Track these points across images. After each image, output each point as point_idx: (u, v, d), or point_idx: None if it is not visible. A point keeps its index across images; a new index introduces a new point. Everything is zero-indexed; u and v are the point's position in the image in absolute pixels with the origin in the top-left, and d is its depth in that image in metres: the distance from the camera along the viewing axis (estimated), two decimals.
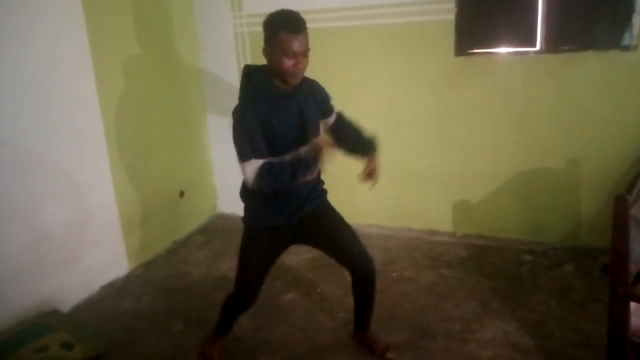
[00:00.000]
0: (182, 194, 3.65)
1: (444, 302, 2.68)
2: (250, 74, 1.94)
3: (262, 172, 1.82)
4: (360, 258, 2.10)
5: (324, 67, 3.50)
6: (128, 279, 3.10)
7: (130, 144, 3.13)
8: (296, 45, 1.79)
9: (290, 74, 1.84)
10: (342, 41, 3.42)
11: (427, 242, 3.42)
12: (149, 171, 3.31)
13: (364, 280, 2.16)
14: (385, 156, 3.54)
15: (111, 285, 3.00)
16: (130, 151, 3.14)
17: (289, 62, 1.81)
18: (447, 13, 3.15)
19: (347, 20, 3.36)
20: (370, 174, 2.09)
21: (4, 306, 2.40)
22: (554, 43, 3.01)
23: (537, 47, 3.05)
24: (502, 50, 3.15)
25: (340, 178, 3.77)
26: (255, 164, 1.83)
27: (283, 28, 1.79)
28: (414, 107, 3.42)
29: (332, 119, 2.17)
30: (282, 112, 1.91)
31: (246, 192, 2.04)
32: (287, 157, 1.91)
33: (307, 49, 1.84)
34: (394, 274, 3.00)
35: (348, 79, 3.47)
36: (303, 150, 1.95)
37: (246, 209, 2.11)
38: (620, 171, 2.99)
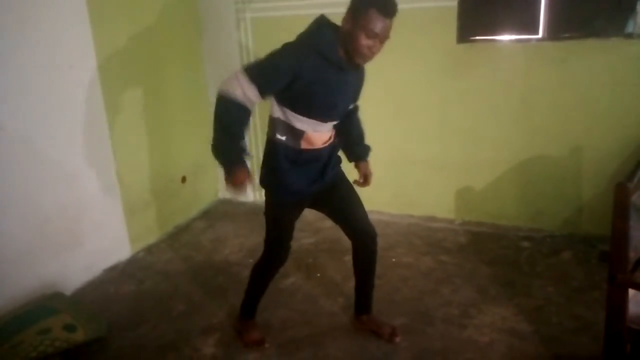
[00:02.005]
0: (184, 179, 3.66)
1: (443, 288, 2.71)
2: (322, 27, 1.84)
3: (232, 103, 1.76)
4: (364, 226, 2.16)
5: None
6: (130, 262, 3.12)
7: (132, 128, 3.13)
8: (381, 27, 1.74)
9: (362, 54, 1.80)
10: None
11: (426, 229, 3.45)
12: (151, 156, 3.32)
13: (365, 250, 2.20)
14: (386, 143, 3.58)
15: (113, 268, 3.03)
16: (132, 136, 3.14)
17: (366, 42, 1.76)
18: (449, 0, 3.13)
19: (344, 6, 3.33)
20: (366, 179, 2.22)
21: (7, 289, 2.42)
22: (556, 31, 3.01)
23: (540, 35, 3.04)
24: (505, 37, 3.14)
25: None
26: (246, 88, 1.75)
27: (376, 6, 1.72)
28: (415, 94, 3.42)
29: (350, 105, 2.13)
30: (329, 82, 1.85)
31: (270, 156, 2.01)
32: (242, 141, 1.85)
33: (388, 37, 1.79)
34: (394, 260, 3.03)
35: None
36: (242, 151, 1.85)
37: (269, 173, 2.03)
38: (621, 159, 3.00)
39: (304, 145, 1.95)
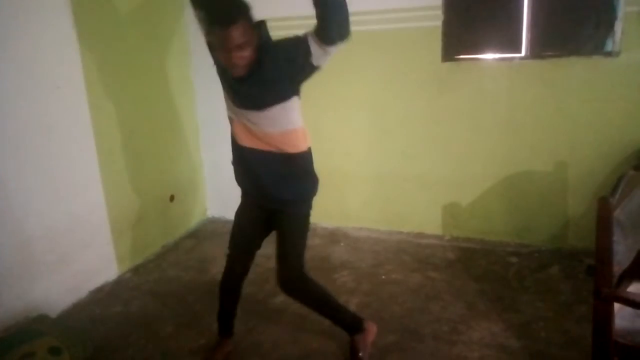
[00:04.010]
0: (172, 198, 3.64)
1: (432, 304, 2.70)
2: None
3: None
4: (279, 269, 2.09)
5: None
6: (117, 283, 3.08)
7: (120, 147, 3.12)
8: (223, 39, 1.67)
9: (227, 66, 1.77)
10: None
11: (415, 245, 3.45)
12: (139, 175, 3.30)
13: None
14: (374, 160, 3.61)
15: (100, 289, 2.99)
16: (120, 155, 3.13)
17: (222, 55, 1.74)
18: (434, 20, 3.20)
19: None
20: None
21: None
22: (538, 49, 3.07)
23: (523, 53, 3.11)
24: (488, 56, 3.20)
25: (330, 182, 3.80)
26: None
27: (212, 20, 1.68)
28: (402, 112, 3.46)
29: (312, 40, 1.79)
30: (230, 86, 1.89)
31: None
32: None
33: (244, 41, 1.68)
34: (383, 277, 3.02)
35: (337, 84, 3.50)
36: None
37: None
38: (604, 174, 3.05)
39: (238, 139, 1.96)
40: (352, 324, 2.26)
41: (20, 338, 2.22)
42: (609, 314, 1.61)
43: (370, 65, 3.43)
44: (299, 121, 1.96)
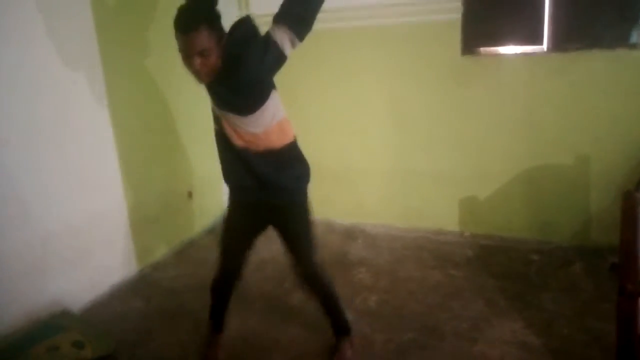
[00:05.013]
0: (190, 195, 3.67)
1: (452, 302, 2.68)
2: None
3: None
4: (296, 270, 2.13)
5: (331, 67, 3.53)
6: (137, 279, 3.12)
7: (138, 144, 3.15)
8: (183, 44, 1.71)
9: (192, 73, 1.78)
10: (349, 41, 3.44)
11: (434, 242, 3.43)
12: (158, 171, 3.33)
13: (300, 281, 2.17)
14: (392, 156, 3.59)
15: (120, 285, 3.03)
16: (139, 151, 3.16)
17: (185, 61, 1.76)
18: (453, 12, 3.16)
19: (354, 21, 3.38)
20: None
21: (14, 306, 2.43)
22: (560, 42, 3.01)
23: (544, 46, 3.05)
24: (509, 49, 3.15)
25: (347, 178, 3.80)
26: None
27: (175, 26, 1.73)
28: (420, 107, 3.43)
29: (277, 35, 1.79)
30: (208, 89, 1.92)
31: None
32: None
33: (203, 49, 1.71)
34: (401, 274, 3.00)
35: (356, 79, 3.49)
36: None
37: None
38: (628, 168, 2.98)
39: (230, 138, 1.94)
40: (343, 326, 2.30)
41: (45, 332, 2.27)
42: (634, 311, 1.57)
43: (388, 59, 3.40)
44: (280, 113, 1.95)
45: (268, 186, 1.99)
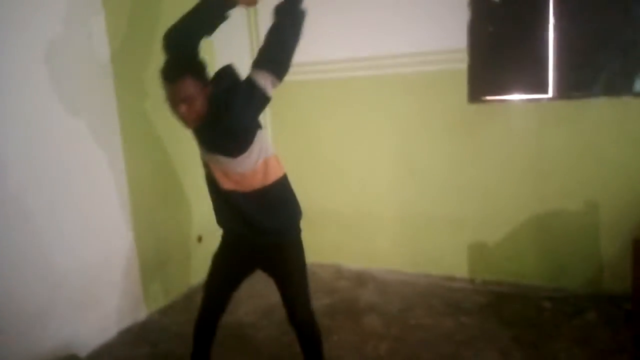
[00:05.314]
0: (200, 239, 3.68)
1: (464, 351, 2.62)
2: None
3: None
4: (290, 312, 2.12)
5: (344, 114, 3.60)
6: (145, 324, 3.09)
7: (150, 188, 3.19)
8: (170, 92, 1.83)
9: (178, 118, 1.88)
10: (358, 91, 3.51)
11: (445, 289, 3.38)
12: (168, 215, 3.36)
13: (297, 334, 2.16)
14: (402, 202, 3.60)
15: (129, 330, 3.00)
16: (150, 195, 3.19)
17: (172, 108, 1.86)
18: (459, 62, 3.25)
19: (362, 70, 3.46)
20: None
21: (22, 351, 2.41)
22: (566, 90, 3.07)
23: (550, 94, 3.10)
24: (515, 97, 3.21)
25: (357, 223, 3.80)
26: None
27: (162, 75, 1.84)
28: (429, 154, 3.47)
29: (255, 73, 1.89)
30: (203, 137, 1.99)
31: None
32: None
33: (187, 96, 1.80)
34: (412, 322, 2.96)
35: (365, 127, 3.56)
36: None
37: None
38: (638, 215, 2.96)
39: (219, 183, 1.98)
40: None
41: None
42: None
43: (397, 106, 3.48)
44: (267, 151, 2.00)
45: (259, 229, 2.01)
